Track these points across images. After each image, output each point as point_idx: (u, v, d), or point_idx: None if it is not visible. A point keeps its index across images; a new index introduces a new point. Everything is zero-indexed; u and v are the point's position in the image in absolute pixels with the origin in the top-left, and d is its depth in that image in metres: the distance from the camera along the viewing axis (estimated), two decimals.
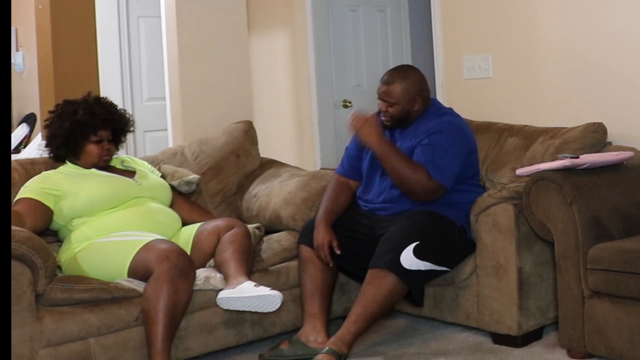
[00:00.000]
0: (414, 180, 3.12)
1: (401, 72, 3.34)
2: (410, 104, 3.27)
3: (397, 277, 3.02)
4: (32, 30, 6.75)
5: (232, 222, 3.31)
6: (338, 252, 3.20)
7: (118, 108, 3.45)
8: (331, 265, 3.23)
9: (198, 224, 3.36)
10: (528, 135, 3.61)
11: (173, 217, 3.38)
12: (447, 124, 3.24)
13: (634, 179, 3.12)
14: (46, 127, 3.39)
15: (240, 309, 2.98)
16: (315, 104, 5.40)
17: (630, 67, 3.61)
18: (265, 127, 5.23)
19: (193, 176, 3.72)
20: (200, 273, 3.11)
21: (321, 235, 3.22)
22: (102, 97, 3.49)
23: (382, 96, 3.29)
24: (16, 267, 2.66)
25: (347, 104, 5.57)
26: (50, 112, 3.40)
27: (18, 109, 6.87)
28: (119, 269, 3.02)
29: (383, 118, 3.31)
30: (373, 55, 5.72)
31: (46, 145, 3.40)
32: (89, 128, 3.29)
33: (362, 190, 3.41)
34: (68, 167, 3.35)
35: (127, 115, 3.48)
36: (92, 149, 3.31)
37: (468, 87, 4.30)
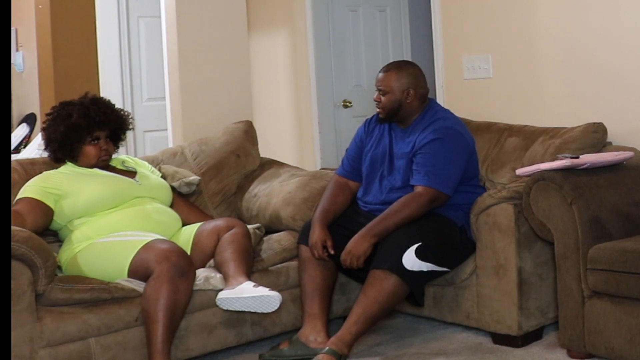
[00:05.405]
0: (415, 210, 3.13)
1: (399, 63, 3.43)
2: (403, 96, 3.27)
3: (398, 278, 3.02)
4: (32, 30, 6.76)
5: (232, 222, 3.31)
6: (332, 252, 3.20)
7: (115, 107, 3.44)
8: (325, 259, 3.23)
9: (198, 224, 3.36)
10: (528, 135, 3.61)
11: (173, 217, 3.38)
12: (446, 130, 3.23)
13: (634, 179, 3.12)
14: (43, 130, 3.39)
15: (240, 310, 2.98)
16: (315, 104, 5.41)
17: (631, 67, 3.61)
18: (265, 127, 5.23)
19: (193, 177, 3.72)
20: (200, 273, 3.11)
21: (316, 234, 3.23)
22: (100, 97, 3.48)
23: (377, 84, 3.33)
24: (16, 267, 2.66)
25: (347, 104, 5.58)
26: (47, 114, 3.40)
27: (18, 109, 6.88)
28: (119, 269, 3.02)
29: (377, 109, 3.34)
30: (373, 55, 5.72)
31: (44, 149, 3.41)
32: (83, 131, 3.28)
33: (362, 191, 3.41)
34: (69, 167, 3.35)
35: (125, 113, 3.47)
36: (89, 150, 3.31)
37: (468, 87, 4.30)
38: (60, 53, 6.57)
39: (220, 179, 3.93)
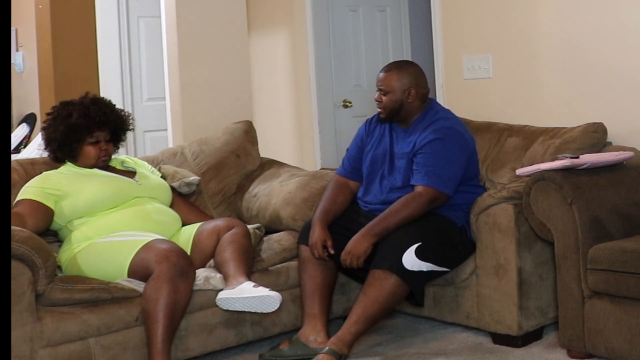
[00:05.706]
0: (415, 210, 3.13)
1: (400, 63, 3.44)
2: (404, 96, 3.27)
3: (398, 278, 3.02)
4: (32, 30, 6.76)
5: (232, 222, 3.31)
6: (332, 251, 3.20)
7: (115, 107, 3.44)
8: (325, 259, 3.23)
9: (198, 224, 3.36)
10: (528, 135, 3.61)
11: (173, 216, 3.38)
12: (447, 130, 3.23)
13: (634, 179, 3.12)
14: (43, 129, 3.39)
15: (240, 310, 2.98)
16: (315, 104, 5.40)
17: (631, 67, 3.61)
18: (265, 127, 5.23)
19: (193, 177, 3.72)
20: (200, 273, 3.11)
21: (316, 234, 3.23)
22: (100, 97, 3.48)
23: (378, 84, 3.33)
24: (16, 267, 2.65)
25: (347, 104, 5.57)
26: (48, 114, 3.40)
27: (18, 109, 6.88)
28: (119, 269, 3.02)
29: (378, 109, 3.34)
30: (373, 55, 5.72)
31: (44, 148, 3.41)
32: (83, 131, 3.28)
33: (362, 191, 3.41)
34: (69, 167, 3.35)
35: (125, 114, 3.47)
36: (89, 150, 3.31)
37: (468, 87, 4.30)
38: (60, 53, 6.57)
39: (220, 179, 3.92)
